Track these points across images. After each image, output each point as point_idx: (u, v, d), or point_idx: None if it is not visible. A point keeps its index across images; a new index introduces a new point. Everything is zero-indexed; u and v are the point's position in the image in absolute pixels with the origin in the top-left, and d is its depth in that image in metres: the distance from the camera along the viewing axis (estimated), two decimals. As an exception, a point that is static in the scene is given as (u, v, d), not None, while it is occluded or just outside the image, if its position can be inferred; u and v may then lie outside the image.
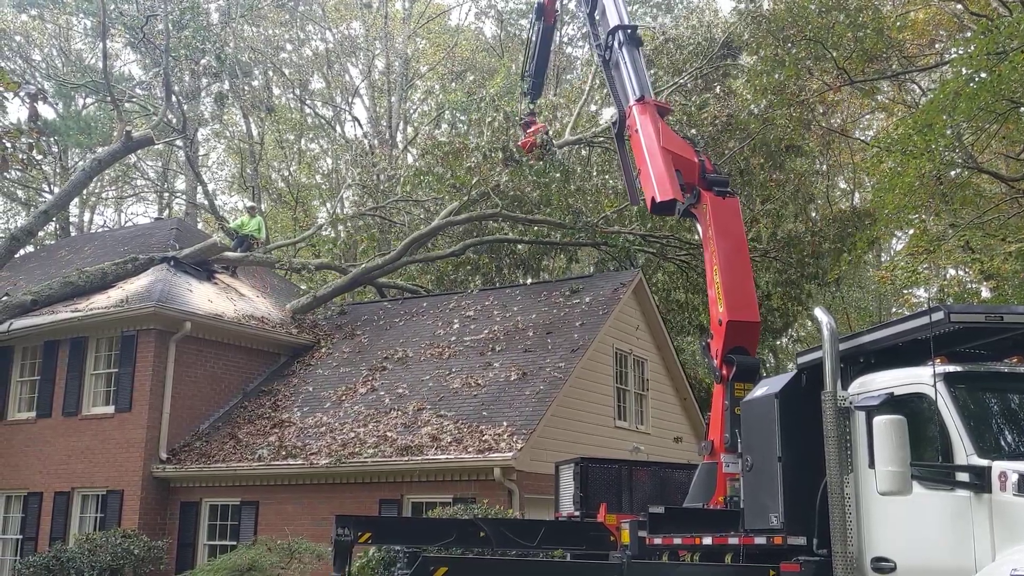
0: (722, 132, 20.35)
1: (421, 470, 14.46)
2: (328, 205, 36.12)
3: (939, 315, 6.58)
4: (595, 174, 21.23)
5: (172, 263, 18.73)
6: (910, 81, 23.52)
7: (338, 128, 38.60)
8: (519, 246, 23.17)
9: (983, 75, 12.20)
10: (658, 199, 10.88)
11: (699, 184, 11.12)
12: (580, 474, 11.16)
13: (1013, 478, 5.91)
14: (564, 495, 11.94)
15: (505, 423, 14.61)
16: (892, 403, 6.47)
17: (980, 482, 6.04)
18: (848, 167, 31.11)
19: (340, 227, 27.37)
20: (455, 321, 18.87)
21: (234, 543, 15.44)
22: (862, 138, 27.16)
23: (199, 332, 17.38)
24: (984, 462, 6.10)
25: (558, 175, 19.00)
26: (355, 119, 39.23)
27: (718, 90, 21.38)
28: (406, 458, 14.46)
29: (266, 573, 13.45)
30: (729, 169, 19.73)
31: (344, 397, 17.17)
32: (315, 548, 13.56)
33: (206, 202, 32.52)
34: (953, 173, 20.21)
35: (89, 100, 35.10)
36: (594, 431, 16.29)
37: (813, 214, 23.89)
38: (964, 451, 6.22)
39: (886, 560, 6.53)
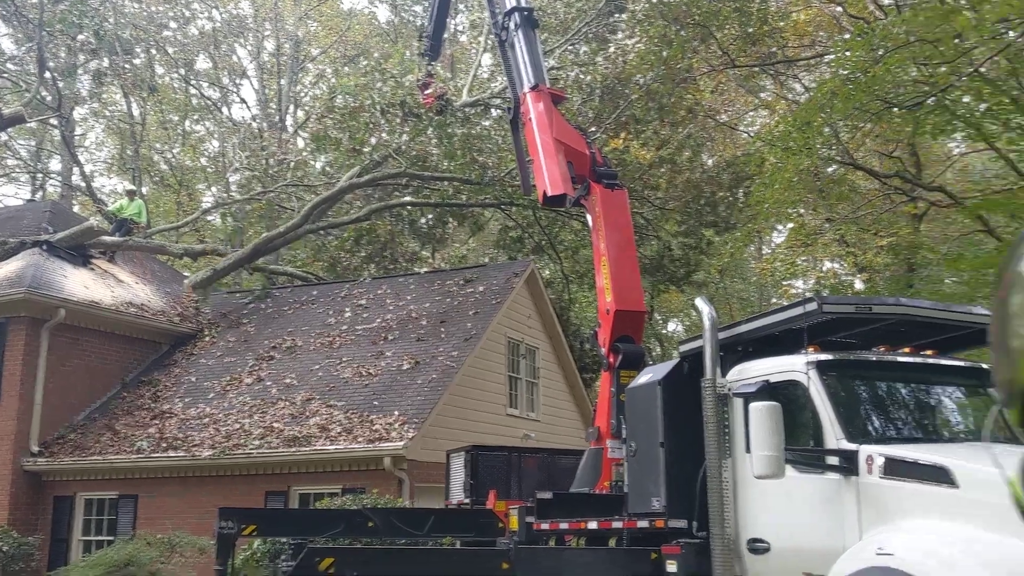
0: (614, 88, 20.44)
1: (309, 461, 14.25)
2: (214, 189, 35.07)
3: (812, 306, 6.86)
4: (498, 134, 20.94)
5: (45, 247, 17.84)
6: (792, 78, 24.38)
7: (225, 110, 37.47)
8: (423, 218, 22.88)
9: (859, 76, 12.75)
10: (549, 193, 11.01)
11: (589, 176, 11.29)
12: (470, 462, 11.21)
13: (879, 461, 6.21)
14: (454, 483, 11.97)
15: (397, 412, 14.52)
16: (768, 390, 6.71)
17: (849, 465, 6.32)
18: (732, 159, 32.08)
19: (227, 212, 26.61)
20: (347, 310, 18.63)
21: (111, 538, 14.89)
22: (745, 131, 28.05)
23: (74, 320, 16.62)
24: (852, 446, 6.38)
25: (461, 129, 18.81)
26: (243, 101, 38.30)
27: (612, 49, 21.34)
28: (293, 449, 14.21)
29: (145, 568, 13.03)
30: (623, 118, 19.96)
31: (229, 387, 16.74)
32: (197, 542, 13.20)
33: (83, 184, 31.14)
34: (830, 169, 21.09)
35: (-45, 74, 33.04)
36: (486, 419, 16.37)
37: (708, 161, 24.34)
38: (834, 436, 6.50)
39: (761, 541, 6.77)
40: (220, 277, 20.54)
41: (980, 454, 6.26)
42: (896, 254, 22.21)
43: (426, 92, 17.85)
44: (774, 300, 34.34)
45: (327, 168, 23.06)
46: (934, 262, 20.64)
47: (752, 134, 26.10)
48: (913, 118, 14.49)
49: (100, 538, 15.36)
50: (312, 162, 23.78)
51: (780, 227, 27.61)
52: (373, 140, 19.69)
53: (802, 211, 24.38)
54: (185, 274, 23.72)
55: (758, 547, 6.79)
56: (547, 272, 22.96)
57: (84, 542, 15.60)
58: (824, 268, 33.07)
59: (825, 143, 16.04)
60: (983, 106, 13.94)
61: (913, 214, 22.24)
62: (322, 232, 23.79)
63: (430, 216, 23.01)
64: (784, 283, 32.43)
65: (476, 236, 26.06)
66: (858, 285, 28.14)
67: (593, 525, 8.16)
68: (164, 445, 15.22)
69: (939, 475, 5.81)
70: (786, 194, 13.84)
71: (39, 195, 35.98)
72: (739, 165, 21.72)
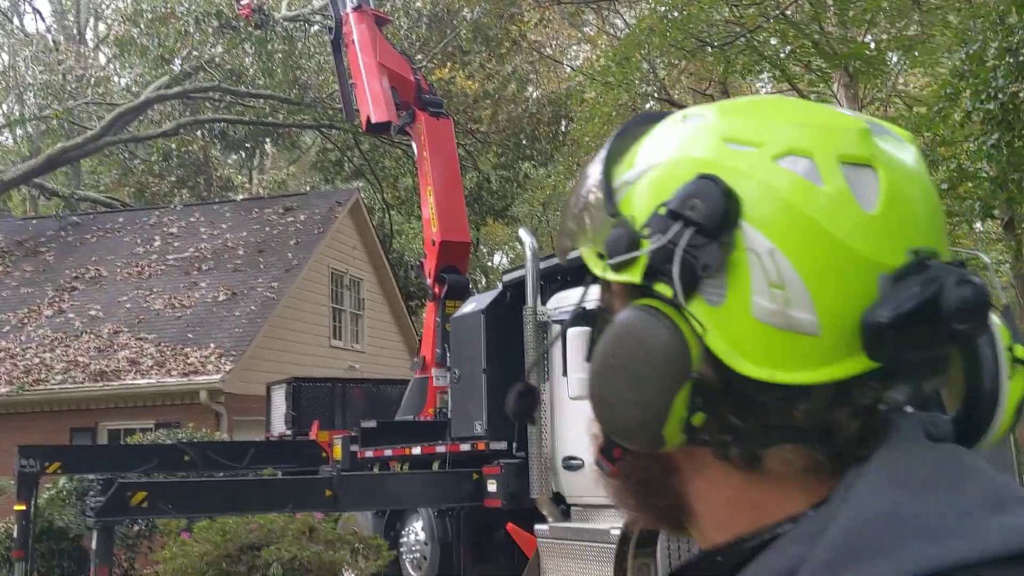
0: (442, 18, 20.17)
1: (118, 396, 13.61)
2: (5, 106, 32.15)
3: (628, 235, 7.13)
4: (320, 53, 20.08)
5: None
6: (614, 14, 24.85)
7: (15, 21, 34.19)
8: (236, 130, 21.83)
9: (675, 14, 13.16)
10: (373, 120, 10.83)
11: (415, 103, 11.17)
12: (292, 394, 11.10)
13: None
14: (276, 415, 11.82)
15: (213, 345, 14.06)
16: (583, 316, 6.93)
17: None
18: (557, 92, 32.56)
19: (19, 131, 24.50)
20: (156, 238, 17.71)
21: None
22: (569, 66, 28.46)
23: None
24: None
25: (282, 46, 18.00)
26: (36, 12, 35.01)
27: None
28: (101, 384, 13.53)
29: (-65, 514, 12.15)
30: (450, 48, 19.83)
31: (27, 320, 15.64)
32: (-5, 483, 12.41)
33: None
34: (648, 105, 21.78)
35: None
36: (309, 351, 16.13)
37: (533, 93, 24.62)
38: (645, 358, 6.86)
39: (575, 458, 7.10)
40: (8, 188, 18.83)
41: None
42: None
43: (243, 3, 16.93)
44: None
45: (133, 86, 21.53)
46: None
47: (575, 68, 26.51)
48: (724, 57, 15.13)
49: None
50: (116, 78, 22.09)
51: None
52: (184, 51, 18.49)
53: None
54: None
55: (573, 464, 7.12)
56: (366, 198, 22.59)
57: None
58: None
59: (643, 79, 16.52)
60: (788, 48, 14.75)
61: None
62: (128, 151, 22.34)
63: (243, 133, 21.99)
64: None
65: (292, 158, 25.20)
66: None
67: (417, 451, 8.30)
68: (-47, 382, 14.10)
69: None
70: (605, 128, 14.20)
71: None
72: (560, 101, 22.08)
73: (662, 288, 0.65)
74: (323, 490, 6.89)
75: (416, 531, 8.98)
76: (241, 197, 20.70)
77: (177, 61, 18.89)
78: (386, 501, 7.86)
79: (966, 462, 0.63)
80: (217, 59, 18.57)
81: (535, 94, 24.71)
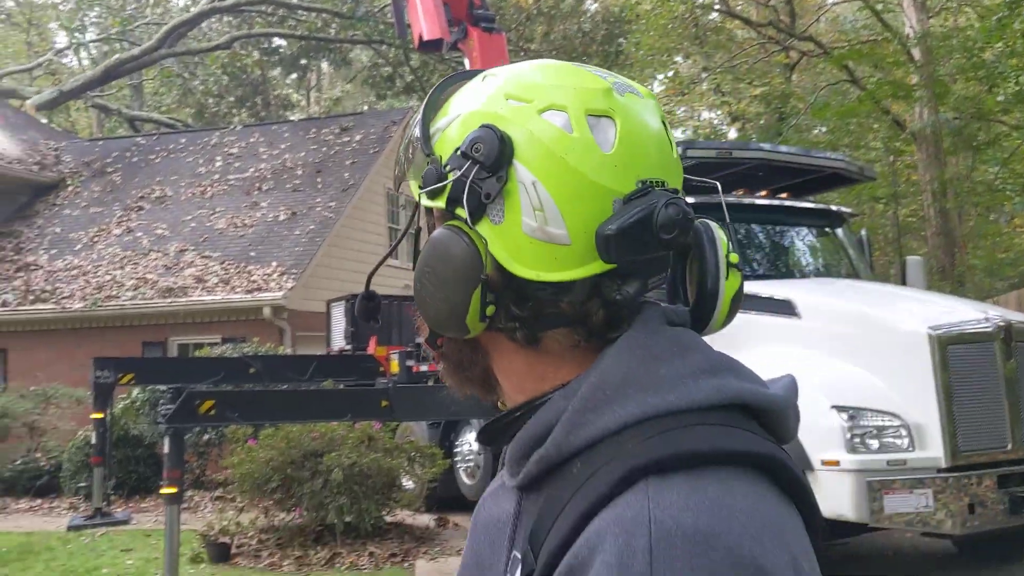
0: None
1: (186, 312, 14.11)
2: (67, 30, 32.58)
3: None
4: None
5: None
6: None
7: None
8: (289, 45, 21.88)
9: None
10: (425, 37, 10.76)
11: (466, 19, 11.05)
12: (350, 311, 11.37)
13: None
14: (336, 331, 12.16)
15: (275, 263, 14.42)
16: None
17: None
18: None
19: (83, 53, 24.91)
20: (218, 159, 18.04)
21: (-19, 393, 14.55)
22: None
23: (-80, 169, 15.59)
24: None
25: None
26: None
27: None
28: (169, 300, 14.02)
29: (20, 420, 12.88)
30: None
31: (97, 238, 16.19)
32: (74, 393, 13.08)
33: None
34: (709, 18, 21.23)
35: None
36: (366, 269, 16.28)
37: (589, 5, 24.14)
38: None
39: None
40: (67, 99, 19.24)
41: (823, 288, 6.78)
42: (768, 103, 22.80)
43: None
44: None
45: (191, 5, 21.64)
46: (802, 111, 21.32)
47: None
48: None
49: (-31, 393, 14.98)
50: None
51: (658, 76, 27.82)
52: None
53: (679, 59, 24.60)
54: (43, 121, 22.33)
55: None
56: (398, 87, 22.55)
57: (-48, 398, 15.19)
58: (701, 118, 33.75)
59: (702, -10, 16.09)
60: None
61: (785, 64, 22.75)
62: (188, 72, 22.55)
63: (296, 49, 22.00)
64: (663, 133, 32.94)
65: (347, 76, 25.14)
66: (732, 134, 28.91)
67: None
68: (32, 298, 14.75)
69: (783, 307, 6.28)
70: (661, 40, 13.90)
71: None
72: (616, 18, 21.54)
73: (461, 212, 0.85)
74: (379, 401, 7.12)
75: (469, 441, 9.28)
76: (298, 117, 20.85)
77: None
78: (439, 412, 8.11)
79: (692, 341, 0.84)
80: None
81: (593, 6, 24.16)
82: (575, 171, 0.82)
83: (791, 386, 0.87)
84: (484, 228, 0.85)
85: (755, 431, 0.79)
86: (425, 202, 0.90)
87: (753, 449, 0.76)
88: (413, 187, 0.92)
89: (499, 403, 0.96)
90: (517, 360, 0.89)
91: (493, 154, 0.83)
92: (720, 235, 0.93)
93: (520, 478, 0.87)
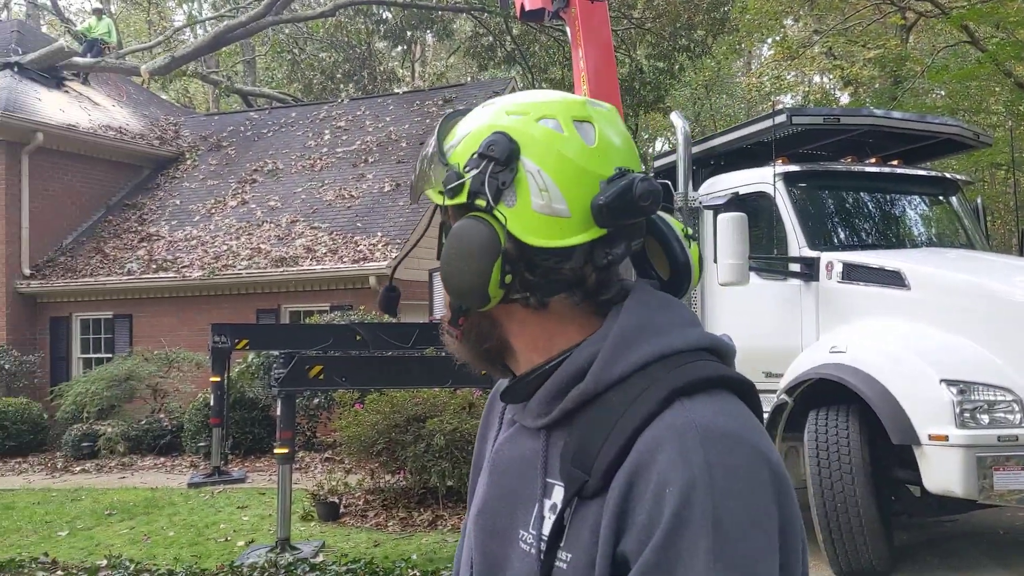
0: None
1: (297, 280, 14.61)
2: (184, 6, 33.79)
3: (781, 118, 6.96)
4: None
5: (16, 69, 17.43)
6: None
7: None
8: (390, 13, 22.10)
9: None
10: (527, 7, 10.76)
11: (568, -12, 11.00)
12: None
13: (838, 267, 6.52)
14: (437, 300, 12.38)
15: (380, 233, 14.76)
16: (736, 201, 6.91)
17: (809, 271, 6.64)
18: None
19: (200, 30, 25.80)
20: (326, 132, 18.51)
21: (109, 355, 15.44)
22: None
23: (53, 144, 16.50)
24: (814, 253, 6.67)
25: None
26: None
27: None
28: (281, 269, 14.53)
29: (145, 382, 13.63)
30: None
31: (214, 210, 16.88)
32: (193, 357, 13.75)
33: (48, 2, 29.93)
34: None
35: None
36: (468, 238, 16.62)
37: None
38: (797, 244, 6.78)
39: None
40: (179, 65, 19.90)
41: (933, 258, 6.56)
42: (883, 67, 21.95)
43: None
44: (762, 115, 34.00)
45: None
46: (919, 74, 20.44)
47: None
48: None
49: (99, 356, 15.92)
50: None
51: (769, 40, 27.04)
52: None
53: (790, 22, 23.86)
54: (162, 96, 23.31)
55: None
56: (522, 85, 22.57)
57: (83, 359, 16.17)
58: (812, 83, 32.68)
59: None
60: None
61: (901, 25, 21.81)
62: (294, 48, 23.06)
63: (399, 19, 22.20)
64: (772, 98, 32.10)
65: (451, 48, 25.24)
66: (844, 99, 27.93)
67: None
68: (154, 267, 15.52)
69: (892, 278, 6.12)
70: (769, 4, 13.49)
71: (3, 14, 34.60)
72: None
73: (480, 202, 1.06)
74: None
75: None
76: (403, 90, 21.14)
77: None
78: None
79: (674, 301, 1.12)
80: None
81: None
82: (569, 160, 1.06)
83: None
84: (501, 211, 1.06)
85: (730, 365, 1.07)
86: (447, 201, 1.10)
87: (739, 377, 1.04)
88: (433, 194, 1.14)
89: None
90: (530, 323, 1.11)
91: (505, 151, 1.06)
92: (670, 218, 1.20)
93: (554, 414, 1.07)
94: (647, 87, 22.08)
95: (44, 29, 29.85)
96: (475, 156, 1.07)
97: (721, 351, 1.08)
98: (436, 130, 1.16)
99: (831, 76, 29.15)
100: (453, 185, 1.08)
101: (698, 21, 20.63)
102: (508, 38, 21.47)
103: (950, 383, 5.43)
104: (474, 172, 1.07)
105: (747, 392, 1.05)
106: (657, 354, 1.03)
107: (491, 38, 21.95)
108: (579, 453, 1.01)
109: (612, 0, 19.11)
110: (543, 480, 1.07)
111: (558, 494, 1.04)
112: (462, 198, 1.08)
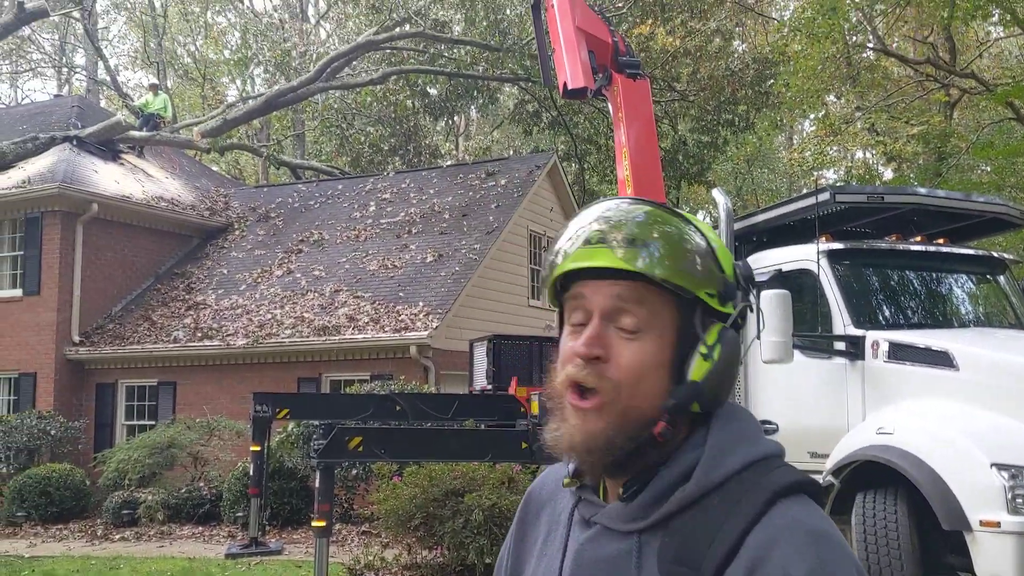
0: None
1: (339, 349, 14.71)
2: (237, 82, 34.94)
3: (825, 196, 6.95)
4: (521, 4, 20.29)
5: (75, 142, 18.07)
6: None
7: (246, 1, 36.96)
8: (434, 90, 22.58)
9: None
10: (570, 86, 10.94)
11: (611, 66, 11.18)
12: (493, 350, 11.56)
13: (884, 346, 6.42)
14: (478, 370, 12.37)
15: (421, 303, 14.87)
16: (780, 278, 6.88)
17: (855, 350, 6.55)
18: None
19: (251, 102, 26.56)
20: (371, 203, 18.84)
21: (152, 423, 15.59)
22: (775, 18, 27.30)
23: (107, 214, 16.99)
24: (859, 332, 6.59)
25: None
26: (264, -9, 37.55)
27: None
28: (323, 338, 14.66)
29: (186, 449, 13.71)
30: (651, 2, 19.55)
31: (260, 279, 17.16)
32: (234, 425, 13.83)
33: (108, 78, 31.13)
34: (864, 55, 20.61)
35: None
36: (508, 310, 16.71)
37: (736, 47, 23.77)
38: (842, 322, 6.71)
39: (770, 423, 7.05)
40: (232, 127, 20.41)
41: (982, 338, 6.44)
42: (927, 143, 21.89)
43: None
44: (804, 191, 33.98)
45: (349, 37, 22.71)
46: (964, 151, 20.33)
47: (780, 20, 25.40)
48: (948, 1, 14.10)
49: (142, 423, 16.09)
50: (332, 42, 23.37)
51: (811, 116, 27.14)
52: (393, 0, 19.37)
53: (832, 98, 23.96)
54: (213, 168, 23.94)
55: (767, 428, 7.07)
56: (562, 153, 22.84)
57: (127, 426, 16.35)
58: (855, 158, 32.63)
59: (854, 29, 15.67)
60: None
61: (945, 102, 21.81)
62: (343, 122, 23.57)
63: (445, 89, 22.68)
64: (815, 173, 32.05)
65: (495, 123, 25.61)
66: (888, 175, 27.81)
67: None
68: (199, 335, 15.75)
69: (940, 358, 6.01)
70: (811, 82, 13.59)
71: (65, 90, 36.08)
72: (763, 61, 21.13)
73: (739, 321, 1.19)
74: (519, 443, 7.21)
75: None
76: (447, 163, 21.48)
77: (386, 11, 19.74)
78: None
79: (743, 411, 1.20)
80: (423, 8, 19.28)
81: (741, 47, 23.83)
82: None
83: None
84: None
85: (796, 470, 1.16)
86: (714, 304, 1.17)
87: (814, 481, 1.15)
88: (700, 292, 1.16)
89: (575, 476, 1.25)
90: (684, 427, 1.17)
91: (751, 284, 1.23)
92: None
93: (654, 517, 1.12)
94: (690, 160, 22.22)
95: (103, 104, 31.01)
96: (740, 275, 1.20)
97: (782, 455, 1.18)
98: (685, 221, 1.20)
99: (874, 152, 29.10)
100: (737, 306, 1.18)
101: (741, 95, 20.77)
102: (552, 104, 21.83)
103: (1001, 467, 5.28)
104: (741, 295, 1.19)
105: (818, 493, 1.15)
106: (749, 461, 1.12)
107: (535, 104, 22.29)
108: (683, 553, 1.08)
109: (655, 74, 19.39)
110: None
111: None
112: (730, 309, 1.18)
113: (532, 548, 1.28)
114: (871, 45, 20.61)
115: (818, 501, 1.13)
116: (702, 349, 1.15)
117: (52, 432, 14.97)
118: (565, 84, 11.05)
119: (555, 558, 1.22)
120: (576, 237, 1.22)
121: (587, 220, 1.23)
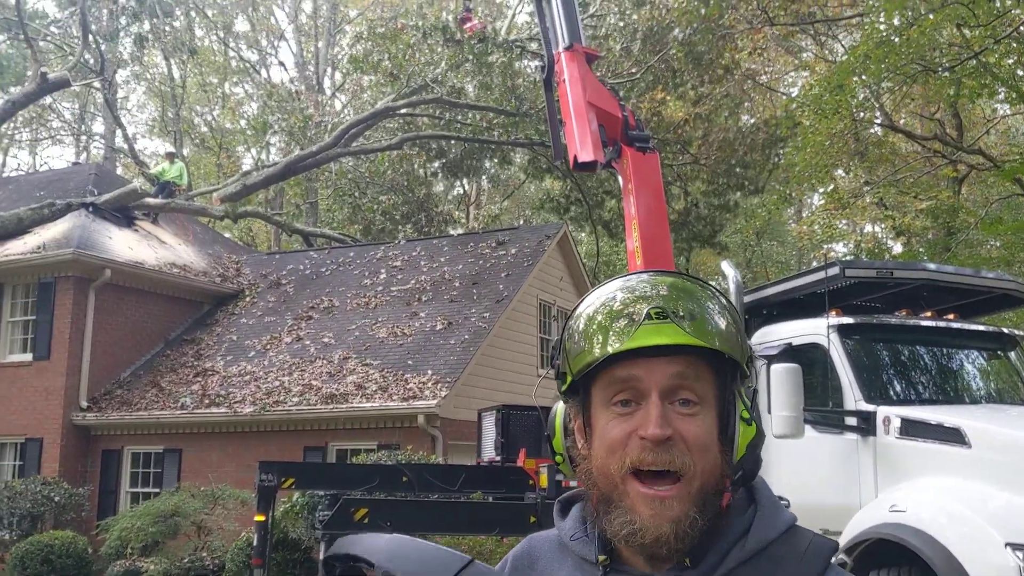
0: (655, 32, 20.14)
1: (346, 418, 14.64)
2: (253, 151, 35.52)
3: (834, 270, 6.97)
4: (533, 76, 20.68)
5: (91, 209, 18.33)
6: (832, 39, 24.03)
7: (263, 72, 37.81)
8: (452, 152, 22.92)
9: (894, 39, 12.63)
10: (580, 159, 11.08)
11: (621, 139, 11.34)
12: (501, 420, 11.47)
13: (896, 422, 6.36)
14: (486, 441, 12.25)
15: (430, 371, 14.85)
16: (790, 352, 6.86)
17: (866, 426, 6.49)
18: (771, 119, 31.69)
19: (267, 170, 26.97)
20: (382, 271, 18.95)
21: (157, 490, 15.46)
22: (784, 92, 27.72)
23: (119, 280, 17.13)
24: (871, 407, 6.54)
25: (502, 57, 18.77)
26: (281, 64, 38.48)
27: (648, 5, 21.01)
28: (331, 406, 14.61)
29: (190, 518, 13.56)
30: (662, 68, 19.85)
31: (269, 346, 17.18)
32: (239, 494, 13.69)
33: (126, 146, 31.67)
34: (872, 130, 20.86)
35: (1, 38, 33.66)
36: (517, 379, 16.64)
37: (744, 116, 24.02)
38: (853, 397, 6.66)
39: (781, 499, 6.95)
40: (250, 192, 20.63)
41: (994, 415, 6.38)
42: (935, 218, 21.99)
43: (466, 26, 18.14)
44: (815, 264, 34.09)
45: (365, 106, 23.12)
46: (973, 226, 20.41)
47: (789, 96, 25.79)
48: (954, 80, 14.32)
49: (147, 490, 15.96)
50: (346, 113, 23.83)
51: (820, 189, 27.37)
52: (410, 67, 19.75)
53: (841, 173, 24.18)
54: (226, 235, 24.18)
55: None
56: (574, 226, 23.01)
57: (131, 494, 16.22)
58: (864, 231, 32.77)
59: (861, 106, 15.91)
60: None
61: (953, 177, 21.96)
62: (355, 191, 23.87)
63: (460, 151, 22.99)
64: (824, 246, 32.17)
65: (500, 189, 25.84)
66: (897, 249, 27.88)
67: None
68: (207, 401, 15.71)
69: (952, 435, 5.95)
70: (819, 157, 13.78)
71: (83, 157, 36.72)
72: (773, 127, 21.42)
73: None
74: (528, 516, 7.14)
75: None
76: (458, 232, 21.67)
77: (403, 76, 20.18)
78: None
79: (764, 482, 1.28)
80: (440, 76, 19.68)
81: (750, 121, 24.13)
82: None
83: None
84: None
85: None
86: (746, 370, 1.22)
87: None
88: (742, 361, 1.22)
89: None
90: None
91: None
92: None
93: (717, 573, 1.16)
94: (702, 222, 22.34)
95: (120, 171, 31.50)
96: (755, 358, 1.28)
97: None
98: (712, 290, 1.25)
99: (883, 226, 29.23)
100: (754, 380, 1.25)
101: (752, 159, 20.96)
102: (562, 172, 22.12)
103: (1016, 547, 5.18)
104: (752, 373, 1.26)
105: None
106: (788, 524, 1.21)
107: (547, 161, 22.58)
108: None
109: (667, 136, 19.61)
110: None
111: None
112: (750, 382, 1.25)
113: None
114: (879, 121, 20.87)
115: None
116: (743, 414, 1.19)
117: (56, 498, 14.86)
118: (575, 157, 11.21)
119: None
120: (618, 315, 1.14)
121: (625, 298, 1.16)
